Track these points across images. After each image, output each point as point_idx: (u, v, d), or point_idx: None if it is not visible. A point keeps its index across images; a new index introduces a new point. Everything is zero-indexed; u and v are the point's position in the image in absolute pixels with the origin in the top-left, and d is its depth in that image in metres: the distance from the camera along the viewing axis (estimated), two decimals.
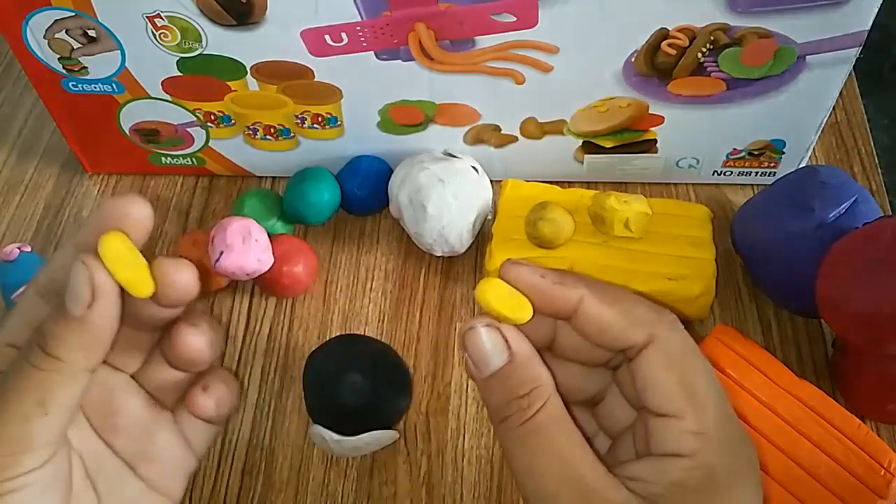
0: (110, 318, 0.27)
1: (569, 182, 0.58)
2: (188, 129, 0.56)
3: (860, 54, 0.49)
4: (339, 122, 0.54)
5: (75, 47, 0.50)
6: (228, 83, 0.52)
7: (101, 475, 0.31)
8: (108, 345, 0.28)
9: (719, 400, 0.29)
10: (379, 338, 0.52)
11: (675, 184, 0.59)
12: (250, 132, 0.56)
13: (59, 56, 0.50)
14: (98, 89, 0.53)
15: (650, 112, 0.53)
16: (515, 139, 0.55)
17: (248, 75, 0.51)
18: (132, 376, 0.33)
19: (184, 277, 0.28)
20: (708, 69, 0.50)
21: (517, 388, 0.28)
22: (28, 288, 0.30)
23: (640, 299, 0.30)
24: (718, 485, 0.28)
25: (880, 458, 0.42)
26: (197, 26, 0.48)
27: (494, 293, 0.29)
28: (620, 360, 0.31)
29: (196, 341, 0.31)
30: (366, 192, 0.55)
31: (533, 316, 0.29)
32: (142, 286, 0.28)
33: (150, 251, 0.57)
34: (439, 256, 0.55)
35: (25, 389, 0.27)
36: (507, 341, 0.29)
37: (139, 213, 0.29)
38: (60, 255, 0.30)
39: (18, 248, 0.51)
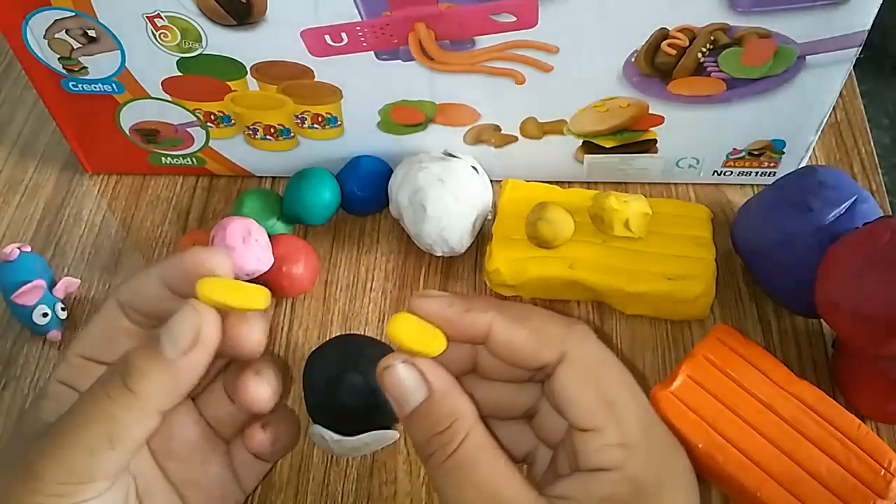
0: (201, 369, 0.28)
1: (569, 182, 0.58)
2: (188, 129, 0.56)
3: (860, 54, 0.49)
4: (339, 123, 0.54)
5: (75, 47, 0.50)
6: (228, 83, 0.52)
7: (150, 498, 0.31)
8: (188, 392, 0.28)
9: (640, 409, 0.29)
10: (379, 338, 0.52)
11: (675, 184, 0.59)
12: (250, 132, 0.56)
13: (59, 56, 0.50)
14: (98, 89, 0.53)
15: (650, 112, 0.53)
16: (515, 139, 0.55)
17: (248, 75, 0.51)
18: (194, 402, 0.33)
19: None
20: (708, 69, 0.50)
21: (437, 424, 0.28)
22: (108, 302, 0.30)
23: (551, 316, 0.30)
24: (647, 496, 0.28)
25: (880, 458, 0.42)
26: (197, 26, 0.48)
27: (405, 329, 0.29)
28: (544, 375, 0.31)
29: (259, 391, 0.31)
30: (366, 193, 0.55)
31: (447, 346, 0.29)
32: (260, 300, 0.29)
33: (150, 252, 0.57)
34: (439, 256, 0.55)
35: (96, 421, 0.26)
36: (424, 376, 0.28)
37: (224, 266, 0.29)
38: (144, 277, 0.30)
39: (18, 248, 0.51)
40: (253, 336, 0.30)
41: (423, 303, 0.30)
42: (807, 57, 0.49)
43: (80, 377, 0.29)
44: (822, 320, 0.51)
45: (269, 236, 0.51)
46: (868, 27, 0.47)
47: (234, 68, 0.50)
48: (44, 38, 0.49)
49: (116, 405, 0.26)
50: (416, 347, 0.29)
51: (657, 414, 0.30)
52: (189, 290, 0.29)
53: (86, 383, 0.28)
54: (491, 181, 0.55)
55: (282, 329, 0.53)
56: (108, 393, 0.27)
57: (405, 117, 0.54)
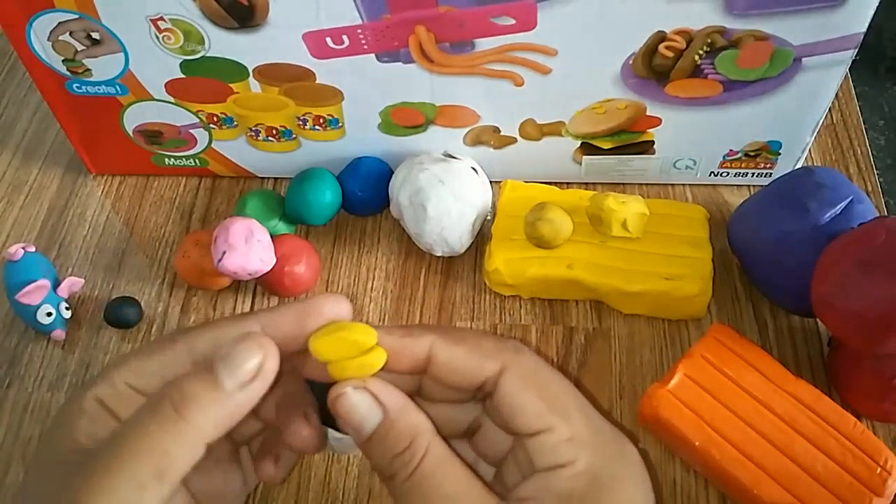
0: (254, 402, 0.27)
1: (567, 183, 0.58)
2: (191, 131, 0.56)
3: (856, 56, 0.49)
4: (340, 124, 0.55)
5: (79, 49, 0.50)
6: (231, 85, 0.52)
7: None
8: (235, 424, 0.27)
9: (582, 404, 0.29)
10: None
11: (672, 184, 0.59)
12: (252, 134, 0.56)
13: (62, 58, 0.51)
14: (102, 91, 0.53)
15: (648, 114, 0.53)
16: (514, 140, 0.56)
17: (251, 77, 0.51)
18: None
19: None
20: (705, 71, 0.50)
21: (397, 444, 0.28)
22: (176, 344, 0.29)
23: (485, 334, 0.31)
24: (603, 486, 0.28)
25: (876, 456, 0.43)
26: (199, 29, 0.48)
27: (340, 371, 0.28)
28: (484, 393, 0.31)
29: (312, 440, 0.31)
30: (367, 193, 0.55)
31: (387, 358, 0.29)
32: (376, 361, 0.28)
33: (153, 252, 0.57)
34: (439, 256, 0.55)
35: (146, 453, 0.25)
36: (377, 398, 0.28)
37: (343, 311, 0.29)
38: (230, 327, 0.29)
39: (23, 248, 0.52)
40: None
41: None
42: (803, 59, 0.49)
43: (122, 404, 0.28)
44: (817, 319, 0.52)
45: (272, 236, 0.51)
46: (864, 29, 0.47)
47: (236, 70, 0.51)
48: (48, 40, 0.50)
49: (168, 437, 0.25)
50: (355, 372, 0.28)
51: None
52: (295, 344, 0.29)
53: (125, 411, 0.28)
54: (490, 182, 0.56)
55: None
56: (159, 423, 0.26)
57: (405, 119, 0.54)
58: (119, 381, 0.28)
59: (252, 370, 0.27)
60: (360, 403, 0.28)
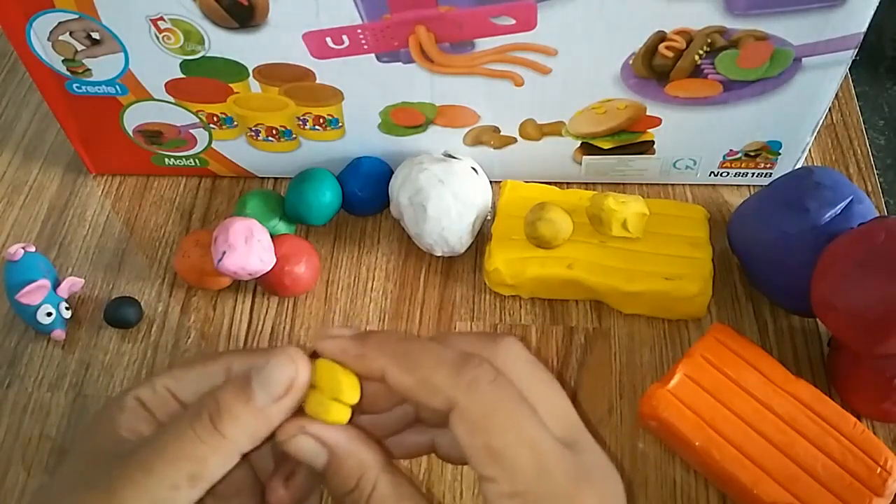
0: (287, 415, 0.28)
1: (567, 183, 0.59)
2: (191, 131, 0.56)
3: (856, 56, 0.49)
4: (340, 124, 0.55)
5: (79, 49, 0.50)
6: (231, 85, 0.52)
7: None
8: (269, 434, 0.28)
9: (533, 456, 0.28)
10: None
11: (672, 185, 0.59)
12: (252, 134, 0.56)
13: (62, 58, 0.51)
14: (102, 91, 0.53)
15: (648, 114, 0.53)
16: (514, 140, 0.56)
17: (251, 77, 0.51)
18: None
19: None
20: (705, 71, 0.50)
21: (345, 483, 0.29)
22: (218, 362, 0.30)
23: (442, 359, 0.29)
24: None
25: (876, 456, 0.43)
26: (200, 29, 0.48)
27: (310, 402, 0.29)
28: None
29: (281, 497, 0.31)
30: (367, 193, 0.55)
31: (350, 414, 0.29)
32: (337, 417, 0.28)
33: (153, 252, 0.57)
34: (439, 256, 0.55)
35: (183, 459, 0.27)
36: (321, 440, 0.29)
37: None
38: (275, 359, 0.30)
39: (23, 248, 0.52)
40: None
41: (324, 345, 0.30)
42: (803, 59, 0.49)
43: (159, 405, 0.30)
44: (817, 319, 0.52)
45: (272, 236, 0.52)
46: (864, 29, 0.47)
47: (236, 70, 0.51)
48: (48, 40, 0.50)
49: (205, 447, 0.27)
50: (314, 410, 0.29)
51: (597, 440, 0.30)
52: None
53: (162, 412, 0.29)
54: (490, 182, 0.56)
55: (284, 328, 0.53)
56: (197, 434, 0.27)
57: (405, 119, 0.54)
58: (159, 384, 0.30)
59: (284, 386, 0.28)
60: (305, 446, 0.29)
